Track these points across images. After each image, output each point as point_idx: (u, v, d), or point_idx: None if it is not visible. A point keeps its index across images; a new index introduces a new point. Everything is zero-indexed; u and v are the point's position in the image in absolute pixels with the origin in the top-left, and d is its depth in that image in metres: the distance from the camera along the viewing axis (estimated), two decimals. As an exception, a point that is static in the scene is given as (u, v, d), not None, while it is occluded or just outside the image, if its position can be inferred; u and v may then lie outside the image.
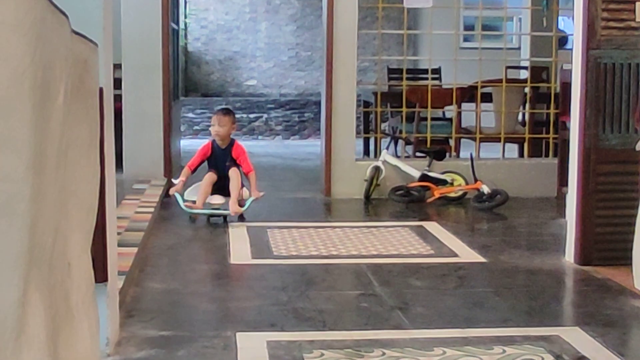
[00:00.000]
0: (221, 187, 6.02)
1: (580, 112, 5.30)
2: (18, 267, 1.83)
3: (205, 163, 6.25)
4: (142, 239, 5.26)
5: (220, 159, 6.11)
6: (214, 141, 6.24)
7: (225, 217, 5.88)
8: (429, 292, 4.71)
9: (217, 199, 5.91)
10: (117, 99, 7.67)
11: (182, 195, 5.93)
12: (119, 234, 5.28)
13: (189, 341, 3.80)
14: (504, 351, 3.74)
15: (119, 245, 4.88)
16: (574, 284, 4.99)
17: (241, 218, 6.21)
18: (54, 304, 2.11)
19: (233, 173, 5.98)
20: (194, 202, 5.88)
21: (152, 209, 6.18)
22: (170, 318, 4.17)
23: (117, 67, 7.69)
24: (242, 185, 6.30)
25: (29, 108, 1.82)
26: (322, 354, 3.66)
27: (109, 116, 3.65)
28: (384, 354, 3.68)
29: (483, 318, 4.23)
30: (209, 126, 13.46)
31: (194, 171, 6.12)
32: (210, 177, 5.86)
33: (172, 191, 6.16)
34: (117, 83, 7.69)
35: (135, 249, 4.90)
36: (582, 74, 5.28)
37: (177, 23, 9.08)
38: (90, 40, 2.58)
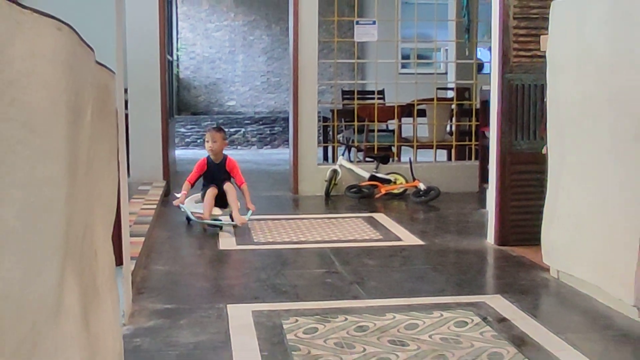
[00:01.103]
0: (217, 199, 5.73)
1: (498, 124, 5.35)
2: (57, 255, 1.81)
3: (202, 177, 6.00)
4: (148, 231, 5.25)
5: (216, 173, 5.79)
6: (208, 157, 5.87)
7: (221, 227, 5.64)
8: (380, 269, 4.75)
9: (217, 211, 5.69)
10: (125, 117, 7.75)
11: (186, 208, 5.72)
12: (129, 226, 5.28)
13: (188, 312, 3.81)
14: (442, 315, 3.77)
15: (131, 235, 4.88)
16: (494, 260, 5.04)
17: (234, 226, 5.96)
18: (84, 285, 2.10)
19: (228, 187, 5.70)
20: (200, 213, 5.64)
21: (154, 206, 6.17)
22: (172, 294, 4.18)
23: (125, 91, 7.72)
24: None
25: (65, 125, 1.80)
26: (297, 320, 3.68)
27: (122, 132, 3.62)
28: (346, 319, 3.71)
29: (424, 289, 4.29)
30: (198, 139, 13.79)
31: (193, 185, 5.89)
32: (212, 191, 5.61)
33: (176, 203, 5.82)
34: (124, 104, 7.74)
35: (142, 239, 4.89)
36: (498, 93, 5.33)
37: (172, 55, 9.06)
38: (109, 69, 2.57)
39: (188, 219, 5.73)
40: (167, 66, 8.08)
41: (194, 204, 5.68)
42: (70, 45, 1.81)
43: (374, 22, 8.30)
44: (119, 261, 3.52)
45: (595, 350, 3.29)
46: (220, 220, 5.58)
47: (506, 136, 5.33)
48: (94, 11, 3.09)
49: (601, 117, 3.88)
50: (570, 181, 4.25)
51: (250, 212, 5.76)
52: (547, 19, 5.18)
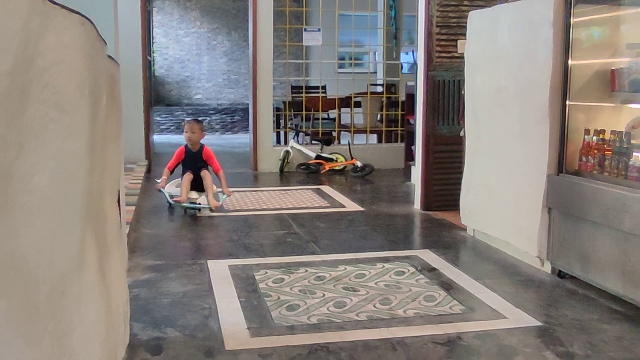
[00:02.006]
0: (195, 184, 5.34)
1: (423, 112, 5.41)
2: (80, 218, 1.78)
3: (181, 164, 5.58)
4: (137, 201, 5.17)
5: (193, 161, 5.36)
6: (186, 146, 5.42)
7: (199, 209, 5.28)
8: (330, 230, 4.76)
9: (194, 194, 5.32)
10: None
11: (168, 193, 5.35)
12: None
13: (175, 267, 3.78)
14: (383, 266, 3.82)
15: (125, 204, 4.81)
16: (421, 222, 5.10)
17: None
18: (99, 243, 2.06)
19: (205, 174, 5.30)
20: (178, 196, 5.26)
21: (140, 181, 6.09)
22: (161, 252, 4.13)
23: None
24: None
25: (88, 107, 1.76)
26: (266, 272, 3.68)
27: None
28: (306, 270, 3.73)
29: (367, 246, 4.32)
30: (171, 126, 13.67)
31: (172, 171, 5.47)
32: (188, 176, 5.23)
33: (158, 187, 5.40)
34: None
35: (133, 207, 4.81)
36: (423, 87, 5.39)
37: (150, 56, 8.88)
38: (115, 61, 2.51)
39: (169, 204, 5.37)
40: (148, 65, 7.95)
41: (174, 187, 5.38)
42: (91, 38, 1.77)
43: (319, 30, 8.28)
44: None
45: (507, 292, 3.37)
46: (197, 204, 5.26)
47: (430, 122, 5.39)
48: (95, 17, 3.02)
49: (510, 106, 3.95)
50: (484, 158, 4.33)
51: (225, 196, 5.43)
52: (464, 26, 5.24)
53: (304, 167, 7.73)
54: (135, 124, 7.47)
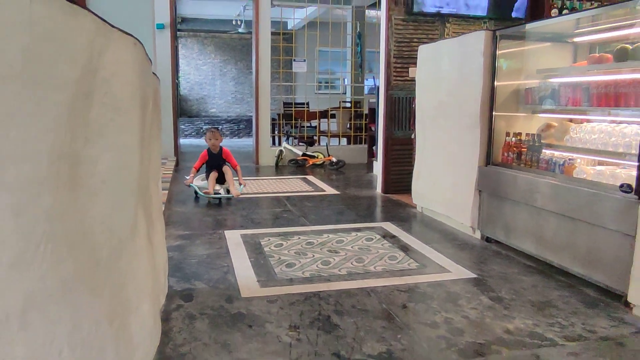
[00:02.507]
0: (218, 179, 5.01)
1: (384, 121, 5.34)
2: (133, 196, 1.68)
3: (205, 164, 5.20)
4: (169, 187, 5.04)
5: (215, 160, 5.06)
6: (208, 149, 5.10)
7: (222, 198, 4.88)
8: (315, 208, 4.66)
9: (217, 186, 4.98)
10: None
11: (197, 186, 4.96)
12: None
13: (200, 236, 3.66)
14: (357, 234, 3.74)
15: (159, 190, 4.68)
16: (382, 202, 5.02)
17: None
18: (147, 216, 1.96)
19: (226, 169, 5.02)
20: (205, 189, 4.87)
21: (171, 172, 5.96)
22: (189, 225, 3.99)
23: None
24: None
25: (138, 110, 1.66)
26: (269, 239, 3.58)
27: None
28: (299, 238, 3.63)
29: (343, 219, 4.23)
30: (193, 132, 13.47)
31: (197, 170, 5.14)
32: (214, 174, 4.92)
33: (187, 182, 5.07)
34: None
35: (166, 191, 4.68)
36: (384, 102, 5.31)
37: (177, 79, 8.70)
38: (157, 77, 2.40)
39: (196, 193, 4.97)
40: (176, 86, 7.78)
41: (200, 182, 5.06)
42: (141, 56, 1.66)
43: (304, 60, 8.15)
44: (157, 204, 3.35)
45: (449, 252, 3.32)
46: (220, 194, 4.89)
47: (389, 128, 5.32)
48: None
49: (450, 115, 3.89)
50: (430, 154, 4.27)
51: (242, 186, 5.14)
52: (413, 57, 5.17)
53: (293, 162, 7.62)
54: (167, 130, 7.29)
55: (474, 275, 2.91)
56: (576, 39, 3.52)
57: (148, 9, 3.20)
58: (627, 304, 2.46)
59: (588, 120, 3.12)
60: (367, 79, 10.61)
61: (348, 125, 8.87)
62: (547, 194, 2.95)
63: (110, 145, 1.50)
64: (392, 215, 4.41)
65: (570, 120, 3.29)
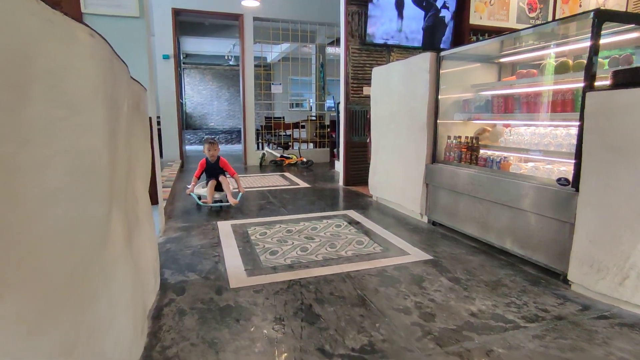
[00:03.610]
0: (217, 187, 3.93)
1: (344, 129, 4.79)
2: (102, 202, 1.07)
3: (204, 172, 4.03)
4: (173, 184, 4.37)
5: (213, 169, 3.93)
6: (206, 158, 3.95)
7: (222, 207, 3.75)
8: (292, 199, 4.09)
9: (216, 195, 3.91)
10: (159, 129, 6.77)
11: (196, 195, 3.86)
12: (162, 182, 4.38)
13: (196, 227, 3.04)
14: (327, 222, 3.20)
15: (164, 187, 3.99)
16: (345, 193, 4.48)
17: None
18: (128, 218, 1.37)
19: (222, 179, 3.93)
20: (205, 197, 3.81)
21: (175, 172, 5.25)
22: (187, 218, 3.34)
23: (158, 117, 6.78)
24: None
25: (103, 110, 1.04)
26: (255, 228, 3.00)
27: (155, 131, 2.79)
28: (280, 226, 3.06)
29: (315, 208, 3.67)
30: (196, 140, 12.61)
31: (198, 178, 3.99)
32: (212, 183, 3.82)
33: (188, 191, 4.02)
34: (159, 123, 6.77)
35: (169, 189, 4.02)
36: (344, 114, 4.76)
37: (182, 99, 7.92)
38: (142, 86, 1.79)
39: (198, 205, 3.84)
40: (180, 105, 7.03)
41: (200, 189, 4.01)
42: (105, 52, 1.04)
43: (280, 83, 7.53)
44: (156, 201, 2.72)
45: (405, 236, 2.84)
46: (220, 203, 3.80)
47: (348, 134, 4.79)
48: (139, 77, 2.25)
49: (402, 121, 3.39)
50: (383, 154, 3.78)
51: (240, 194, 3.94)
52: (367, 79, 4.66)
53: (273, 162, 7.00)
54: (173, 139, 6.58)
55: (430, 257, 2.42)
56: (502, 59, 3.07)
57: (143, 36, 2.53)
58: (566, 281, 2.03)
59: (522, 125, 2.68)
60: (327, 100, 10.04)
61: (314, 134, 8.29)
62: (488, 186, 2.49)
63: (66, 147, 0.91)
64: (354, 204, 3.90)
65: (505, 126, 2.84)
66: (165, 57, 6.38)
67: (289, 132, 8.43)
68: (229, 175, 4.02)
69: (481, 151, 2.77)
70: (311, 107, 11.01)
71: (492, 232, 2.50)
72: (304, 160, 6.94)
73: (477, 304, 1.82)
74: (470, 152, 2.80)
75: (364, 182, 4.36)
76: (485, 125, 2.96)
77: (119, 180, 1.25)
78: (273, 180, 5.32)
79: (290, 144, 7.77)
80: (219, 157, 4.01)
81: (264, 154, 7.06)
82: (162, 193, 3.42)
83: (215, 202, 3.85)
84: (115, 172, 1.18)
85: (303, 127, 8.18)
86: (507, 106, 2.63)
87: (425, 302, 1.84)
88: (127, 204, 1.38)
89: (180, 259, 2.36)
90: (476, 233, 2.63)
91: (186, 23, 9.27)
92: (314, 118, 8.91)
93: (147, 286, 1.63)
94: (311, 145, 8.11)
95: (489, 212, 2.51)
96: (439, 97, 3.01)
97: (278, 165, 6.92)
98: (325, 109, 8.82)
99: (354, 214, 3.45)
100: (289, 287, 1.99)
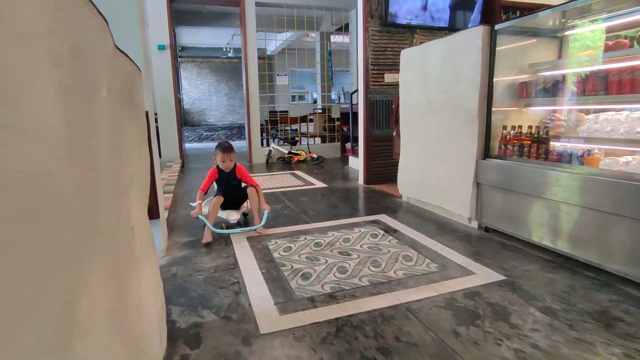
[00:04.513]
0: (231, 204, 2.87)
1: (364, 121, 4.30)
2: (65, 258, 0.60)
3: (215, 182, 2.95)
4: (174, 189, 3.86)
5: (227, 180, 2.83)
6: (217, 166, 2.86)
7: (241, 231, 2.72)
8: (311, 202, 3.60)
9: (234, 215, 2.82)
10: (157, 128, 6.27)
11: (205, 216, 2.67)
12: (162, 187, 3.88)
13: (206, 243, 2.55)
14: (360, 230, 2.72)
15: (164, 193, 3.49)
16: (368, 193, 3.98)
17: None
18: (119, 272, 0.88)
19: (252, 193, 2.80)
20: (225, 222, 2.84)
21: (176, 174, 4.75)
22: (192, 229, 2.83)
23: (155, 114, 6.30)
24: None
25: (54, 88, 0.58)
26: (276, 242, 2.52)
27: (153, 127, 2.29)
28: (305, 238, 2.58)
29: (341, 213, 3.18)
30: (195, 138, 12.06)
31: (206, 192, 2.81)
32: (218, 200, 2.72)
33: (194, 214, 2.67)
34: (156, 120, 6.28)
35: (171, 194, 3.52)
36: (364, 105, 4.27)
37: (180, 94, 7.39)
38: (136, 65, 1.30)
39: (211, 229, 2.62)
40: (178, 100, 6.52)
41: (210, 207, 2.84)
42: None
43: (286, 74, 7.02)
44: (157, 215, 2.23)
45: (458, 246, 2.36)
46: (239, 228, 2.73)
47: (368, 128, 4.30)
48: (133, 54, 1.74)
49: (442, 110, 2.90)
50: (417, 148, 3.29)
51: (265, 212, 2.77)
52: (388, 64, 4.16)
53: (281, 159, 6.51)
54: (172, 137, 6.07)
55: (502, 277, 1.95)
56: (568, 32, 2.57)
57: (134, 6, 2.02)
58: (700, 312, 1.56)
59: (604, 110, 2.19)
60: (333, 93, 9.53)
61: (323, 128, 7.79)
62: (570, 187, 2.01)
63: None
64: (383, 206, 3.41)
65: (586, 112, 2.35)
66: (161, 47, 5.85)
67: (295, 126, 7.94)
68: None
69: (552, 143, 2.28)
70: (315, 100, 10.52)
71: (571, 241, 2.02)
72: (314, 156, 6.45)
73: (601, 352, 1.35)
74: (537, 144, 2.31)
75: (388, 180, 3.89)
76: (555, 111, 2.47)
77: (102, 210, 0.77)
78: (284, 180, 4.84)
79: (297, 139, 7.28)
80: (235, 165, 2.87)
81: (270, 150, 6.56)
82: (164, 203, 2.93)
83: (231, 226, 2.77)
84: (91, 199, 0.70)
85: (311, 120, 7.68)
86: (587, 87, 2.14)
87: (528, 350, 1.36)
88: (118, 246, 0.89)
89: (191, 289, 1.88)
90: (548, 242, 2.16)
91: (182, 12, 8.71)
92: (320, 111, 8.42)
93: (152, 349, 1.14)
94: (318, 140, 7.62)
95: (569, 217, 2.03)
96: (495, 79, 2.51)
97: (286, 163, 6.43)
98: (334, 101, 8.32)
99: (387, 220, 2.97)
100: (338, 330, 1.51)
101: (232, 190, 2.86)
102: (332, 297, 1.77)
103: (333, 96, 9.67)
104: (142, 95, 1.37)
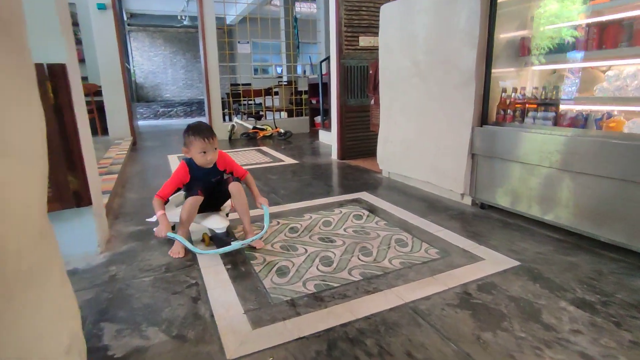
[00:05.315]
0: (210, 203, 1.90)
1: (337, 89, 3.88)
2: None
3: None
4: (121, 169, 3.26)
5: (204, 177, 1.83)
6: (190, 161, 1.81)
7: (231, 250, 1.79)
8: (281, 181, 3.18)
9: (219, 222, 1.85)
10: (102, 103, 5.53)
11: (179, 237, 1.73)
12: (105, 167, 3.30)
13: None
14: (341, 211, 2.35)
15: (107, 173, 2.94)
16: (344, 169, 3.60)
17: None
18: None
19: (236, 189, 1.85)
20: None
21: (125, 152, 4.12)
22: (142, 217, 2.33)
23: (100, 87, 5.54)
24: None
25: None
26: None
27: (78, 88, 1.76)
28: (278, 222, 2.18)
29: (316, 192, 2.79)
30: (151, 115, 11.07)
31: (167, 201, 1.83)
32: (195, 201, 1.75)
33: (160, 233, 1.69)
34: (100, 94, 5.53)
35: (116, 175, 2.95)
36: (336, 71, 3.84)
37: (129, 64, 6.59)
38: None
39: (191, 250, 1.73)
40: (128, 72, 5.76)
41: (175, 209, 1.93)
42: None
43: (248, 42, 6.41)
44: (88, 202, 1.73)
45: (454, 227, 2.05)
46: (232, 245, 1.71)
47: (342, 97, 3.89)
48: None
49: (432, 73, 2.53)
50: (401, 118, 2.92)
51: (267, 212, 1.90)
52: (363, 26, 3.73)
53: (245, 135, 5.99)
54: (121, 113, 5.37)
55: (516, 262, 1.65)
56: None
57: None
58: None
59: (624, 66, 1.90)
60: (299, 65, 8.97)
61: (290, 101, 7.29)
62: (588, 155, 1.72)
63: None
64: (362, 183, 3.05)
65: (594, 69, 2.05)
66: (101, 6, 5.06)
67: (259, 100, 7.38)
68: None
69: (561, 107, 1.98)
70: (280, 74, 9.92)
71: (591, 218, 1.75)
72: (281, 131, 5.99)
73: (667, 361, 1.06)
74: (544, 107, 2.00)
75: (366, 154, 3.53)
76: (560, 70, 2.16)
77: None
78: (250, 157, 4.37)
79: (262, 113, 6.75)
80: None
81: (233, 125, 6.02)
82: (104, 184, 2.41)
83: (218, 241, 1.85)
84: None
85: (276, 93, 7.14)
86: (604, 39, 1.83)
87: (577, 363, 1.06)
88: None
89: (134, 297, 1.44)
90: (562, 220, 1.88)
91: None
92: (286, 83, 7.88)
93: None
94: (285, 114, 7.14)
95: (589, 191, 1.75)
96: (497, 36, 2.16)
97: (251, 139, 5.93)
98: (293, 75, 7.80)
99: (369, 197, 2.62)
100: (330, 346, 1.14)
101: (212, 186, 1.89)
102: (318, 299, 1.39)
103: (299, 70, 9.13)
104: (25, 37, 0.87)
